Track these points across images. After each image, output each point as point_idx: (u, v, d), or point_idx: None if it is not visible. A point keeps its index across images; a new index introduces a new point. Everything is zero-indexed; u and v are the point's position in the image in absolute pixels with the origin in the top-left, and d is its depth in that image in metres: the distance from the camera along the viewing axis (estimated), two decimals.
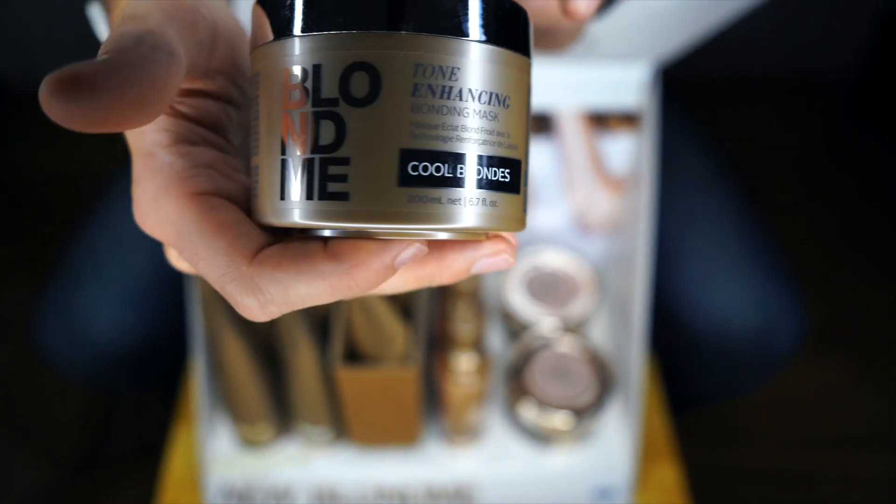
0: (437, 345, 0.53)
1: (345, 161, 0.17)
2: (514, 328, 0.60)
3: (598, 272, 0.62)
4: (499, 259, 0.20)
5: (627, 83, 0.54)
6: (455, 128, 0.17)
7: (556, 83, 0.55)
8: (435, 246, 0.20)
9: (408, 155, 0.17)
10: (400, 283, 0.20)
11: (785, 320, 0.58)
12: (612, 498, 0.55)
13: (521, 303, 0.59)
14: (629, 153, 0.58)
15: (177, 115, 0.20)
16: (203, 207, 0.19)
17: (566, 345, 0.56)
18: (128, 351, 0.57)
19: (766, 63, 1.52)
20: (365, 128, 0.17)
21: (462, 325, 0.49)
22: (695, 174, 0.65)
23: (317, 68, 0.17)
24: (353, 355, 0.48)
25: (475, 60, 0.17)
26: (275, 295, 0.18)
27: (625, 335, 0.56)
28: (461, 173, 0.17)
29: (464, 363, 0.49)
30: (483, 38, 0.17)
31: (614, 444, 0.56)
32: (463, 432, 0.53)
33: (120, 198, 0.63)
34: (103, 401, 0.99)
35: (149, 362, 0.60)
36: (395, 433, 0.53)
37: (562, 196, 0.61)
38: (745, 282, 0.58)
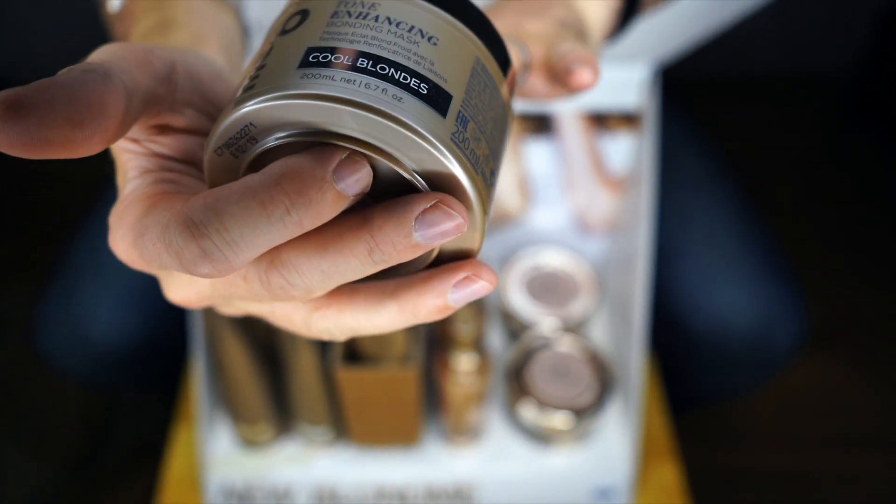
0: (437, 345, 0.53)
1: (261, 67, 0.18)
2: (514, 328, 0.60)
3: (598, 272, 0.62)
4: (476, 286, 0.19)
5: (627, 83, 0.54)
6: (365, 36, 0.18)
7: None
8: (392, 289, 0.19)
9: (311, 49, 0.18)
10: (383, 324, 0.20)
11: (784, 320, 0.58)
12: (611, 498, 0.55)
13: (521, 303, 0.59)
14: (629, 153, 0.58)
15: (153, 154, 0.21)
16: (157, 199, 0.19)
17: (566, 345, 0.56)
18: (128, 351, 0.57)
19: (766, 63, 1.52)
20: (282, 44, 0.18)
21: (462, 325, 0.49)
22: (694, 174, 0.65)
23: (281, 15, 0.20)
24: (353, 355, 0.48)
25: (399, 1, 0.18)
26: (210, 227, 0.16)
27: (625, 335, 0.56)
28: (362, 64, 0.17)
29: (464, 363, 0.49)
30: None
31: (614, 444, 0.56)
32: (463, 432, 0.54)
33: None
34: (103, 401, 0.99)
35: (149, 362, 0.60)
36: (395, 433, 0.53)
37: (562, 196, 0.61)
38: (744, 282, 0.58)
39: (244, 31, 0.32)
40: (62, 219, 1.25)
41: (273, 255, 0.18)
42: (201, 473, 0.54)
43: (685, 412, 0.69)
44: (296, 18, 0.19)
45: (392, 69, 0.17)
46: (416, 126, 0.17)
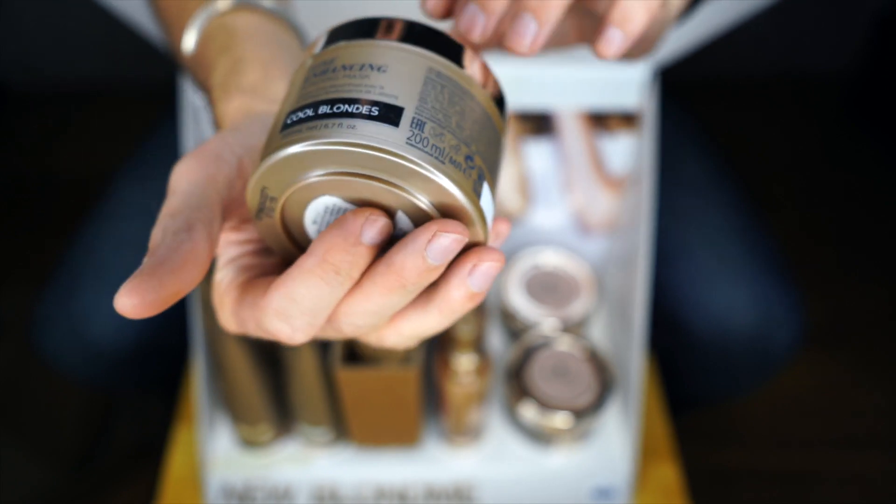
0: (437, 345, 0.53)
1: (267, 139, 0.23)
2: (514, 328, 0.60)
3: (597, 272, 0.62)
4: (484, 268, 0.21)
5: (627, 83, 0.54)
6: (325, 87, 0.21)
7: (556, 83, 0.55)
8: (427, 295, 0.23)
9: (288, 114, 0.22)
10: (434, 324, 0.23)
11: (784, 320, 0.58)
12: (611, 498, 0.55)
13: (520, 303, 0.59)
14: (629, 153, 0.58)
15: (234, 243, 0.26)
16: (243, 287, 0.25)
17: (566, 344, 0.56)
18: (128, 351, 0.57)
19: (765, 64, 1.52)
20: (275, 117, 0.23)
21: (462, 325, 0.49)
22: (694, 174, 0.65)
23: None
24: (354, 355, 0.48)
25: (350, 47, 0.22)
26: (291, 310, 0.22)
27: (624, 335, 0.56)
28: (323, 110, 0.21)
29: (464, 363, 0.49)
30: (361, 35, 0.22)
31: (614, 444, 0.56)
32: (463, 433, 0.54)
33: (120, 198, 0.63)
34: (103, 401, 0.99)
35: (149, 362, 0.60)
36: (395, 433, 0.53)
37: (562, 196, 0.61)
38: (743, 282, 0.58)
39: (298, 32, 0.34)
40: (62, 219, 1.26)
41: (335, 314, 0.23)
42: (201, 473, 0.54)
43: (685, 412, 0.69)
44: (288, 90, 0.23)
45: (345, 105, 0.21)
46: (368, 143, 0.20)
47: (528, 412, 0.53)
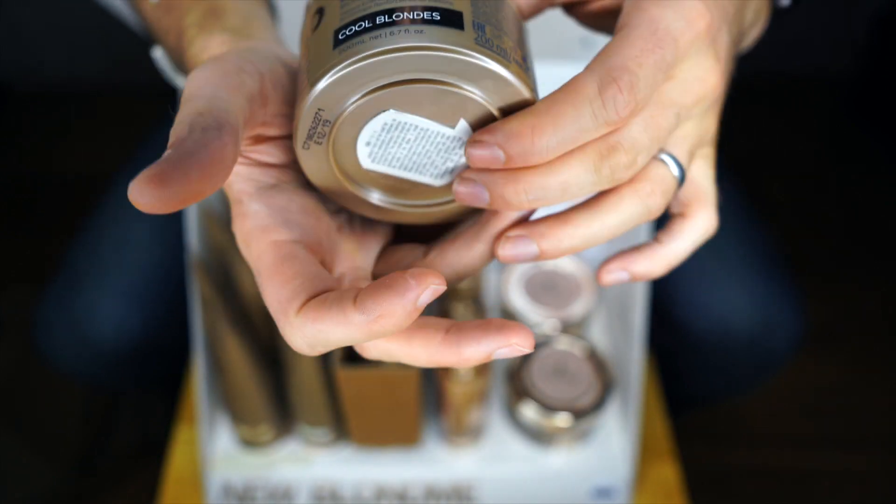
0: None
1: (307, 64, 0.22)
2: None
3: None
4: (512, 350, 0.21)
5: None
6: (372, 1, 0.21)
7: (555, 83, 0.55)
8: (449, 339, 0.21)
9: (337, 31, 0.21)
10: (419, 360, 0.22)
11: (783, 320, 0.58)
12: (611, 498, 0.55)
13: (520, 303, 0.59)
14: None
15: (253, 163, 0.24)
16: (276, 257, 0.22)
17: (566, 344, 0.56)
18: (129, 350, 0.57)
19: (764, 64, 1.52)
20: (315, 40, 0.22)
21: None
22: None
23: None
24: (353, 355, 0.48)
25: None
26: (317, 339, 0.21)
27: (624, 335, 0.56)
28: (381, 20, 0.20)
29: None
30: None
31: (614, 444, 0.56)
32: (463, 432, 0.54)
33: (121, 198, 0.63)
34: (104, 400, 1.00)
35: (149, 362, 0.60)
36: (395, 433, 0.53)
37: None
38: (743, 281, 0.58)
39: (273, 10, 0.33)
40: (64, 218, 1.26)
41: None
42: (202, 473, 0.54)
43: (684, 412, 0.69)
44: (316, 17, 0.22)
45: (404, 13, 0.20)
46: (442, 45, 0.20)
47: (528, 412, 0.53)
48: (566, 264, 0.62)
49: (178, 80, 0.37)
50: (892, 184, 1.36)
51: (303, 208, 0.24)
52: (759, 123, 1.47)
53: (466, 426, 0.53)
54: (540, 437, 0.55)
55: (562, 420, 0.52)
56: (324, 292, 0.21)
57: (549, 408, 0.53)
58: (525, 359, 0.56)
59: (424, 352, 0.21)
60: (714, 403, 0.73)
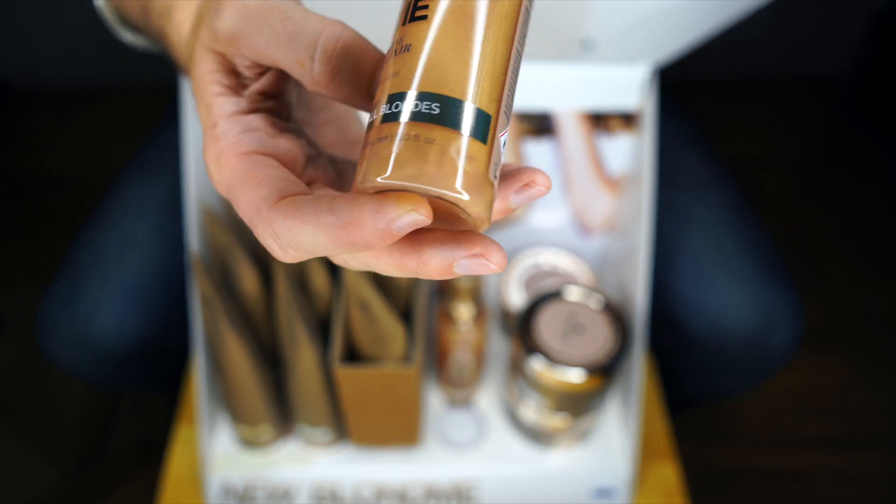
0: (438, 296, 0.55)
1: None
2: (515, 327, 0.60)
3: (597, 272, 0.62)
4: (477, 262, 0.20)
5: (627, 84, 0.54)
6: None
7: (556, 84, 0.55)
8: (413, 240, 0.20)
9: None
10: (387, 267, 0.21)
11: (782, 320, 0.58)
12: (611, 498, 0.55)
13: (520, 303, 0.59)
14: (628, 153, 0.58)
15: (234, 91, 0.24)
16: (247, 164, 0.22)
17: (577, 296, 0.53)
18: (130, 350, 0.57)
19: (763, 64, 1.52)
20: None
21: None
22: (693, 174, 0.65)
23: None
24: (353, 355, 0.48)
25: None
26: (287, 240, 0.20)
27: None
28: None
29: (463, 312, 0.51)
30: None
31: (614, 444, 0.56)
32: (462, 384, 0.54)
33: (122, 198, 0.63)
34: (105, 400, 1.00)
35: (150, 362, 0.60)
36: (395, 433, 0.53)
37: (561, 196, 0.61)
38: (742, 282, 0.58)
39: None
40: (65, 218, 1.26)
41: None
42: (202, 473, 0.54)
43: (684, 412, 0.69)
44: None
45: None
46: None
47: (528, 412, 0.53)
48: (566, 264, 0.62)
49: (124, 34, 0.37)
50: (890, 183, 1.37)
51: (280, 132, 0.24)
52: (756, 124, 1.48)
53: (464, 378, 0.54)
54: (540, 437, 0.55)
55: (561, 420, 0.52)
56: (299, 195, 0.21)
57: (560, 364, 0.49)
58: (533, 311, 0.53)
59: (390, 255, 0.20)
60: (713, 403, 0.73)
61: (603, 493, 0.55)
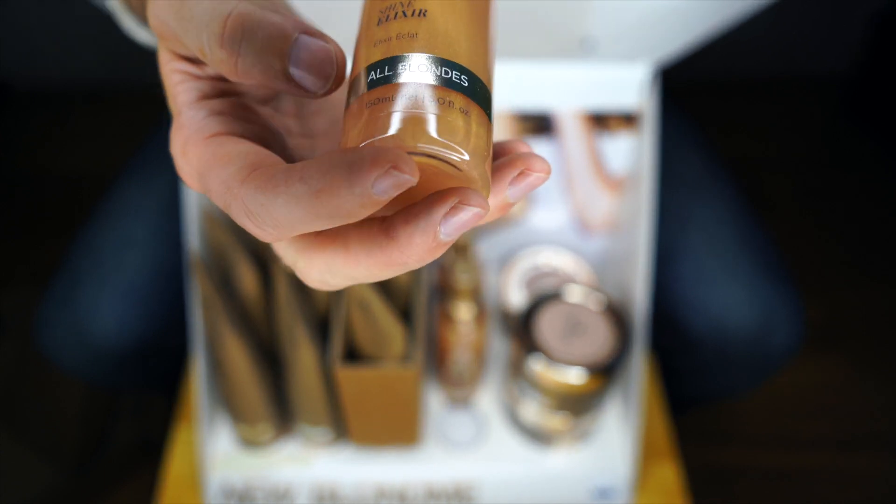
0: (438, 296, 0.55)
1: None
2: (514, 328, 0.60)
3: (597, 272, 0.62)
4: (461, 214, 0.17)
5: (627, 84, 0.54)
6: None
7: (556, 83, 0.55)
8: (383, 228, 0.18)
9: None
10: (370, 270, 0.19)
11: (782, 320, 0.58)
12: (611, 498, 0.55)
13: (521, 303, 0.59)
14: (629, 153, 0.58)
15: (196, 77, 0.23)
16: (213, 146, 0.20)
17: (577, 296, 0.53)
18: (129, 350, 0.57)
19: (763, 64, 1.52)
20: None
21: (461, 275, 0.49)
22: (693, 174, 0.65)
23: None
24: (353, 355, 0.48)
25: None
26: (263, 217, 0.17)
27: None
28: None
29: (463, 312, 0.51)
30: None
31: (614, 444, 0.56)
32: (462, 383, 0.54)
33: (122, 197, 0.63)
34: (104, 400, 1.00)
35: (149, 362, 0.60)
36: (395, 433, 0.53)
37: (561, 196, 0.61)
38: (742, 282, 0.58)
39: None
40: (64, 218, 1.26)
41: (308, 265, 0.20)
42: (201, 473, 0.54)
43: (684, 412, 0.69)
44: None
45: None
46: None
47: (529, 412, 0.53)
48: (566, 264, 0.62)
49: (139, 34, 0.36)
50: (890, 183, 1.37)
51: (253, 116, 0.23)
52: (757, 124, 1.47)
53: (464, 377, 0.54)
54: (540, 437, 0.55)
55: (561, 421, 0.52)
56: (272, 165, 0.19)
57: (559, 362, 0.49)
58: (533, 311, 0.53)
59: (367, 256, 0.18)
60: (714, 403, 0.73)
61: (603, 493, 0.55)
